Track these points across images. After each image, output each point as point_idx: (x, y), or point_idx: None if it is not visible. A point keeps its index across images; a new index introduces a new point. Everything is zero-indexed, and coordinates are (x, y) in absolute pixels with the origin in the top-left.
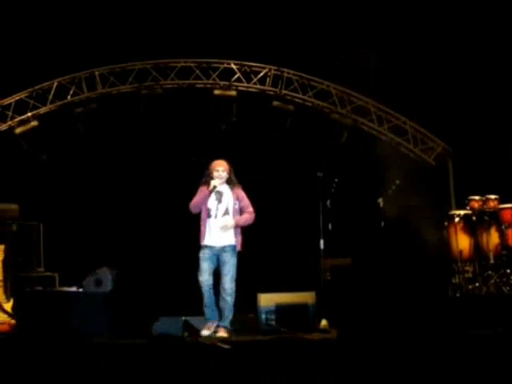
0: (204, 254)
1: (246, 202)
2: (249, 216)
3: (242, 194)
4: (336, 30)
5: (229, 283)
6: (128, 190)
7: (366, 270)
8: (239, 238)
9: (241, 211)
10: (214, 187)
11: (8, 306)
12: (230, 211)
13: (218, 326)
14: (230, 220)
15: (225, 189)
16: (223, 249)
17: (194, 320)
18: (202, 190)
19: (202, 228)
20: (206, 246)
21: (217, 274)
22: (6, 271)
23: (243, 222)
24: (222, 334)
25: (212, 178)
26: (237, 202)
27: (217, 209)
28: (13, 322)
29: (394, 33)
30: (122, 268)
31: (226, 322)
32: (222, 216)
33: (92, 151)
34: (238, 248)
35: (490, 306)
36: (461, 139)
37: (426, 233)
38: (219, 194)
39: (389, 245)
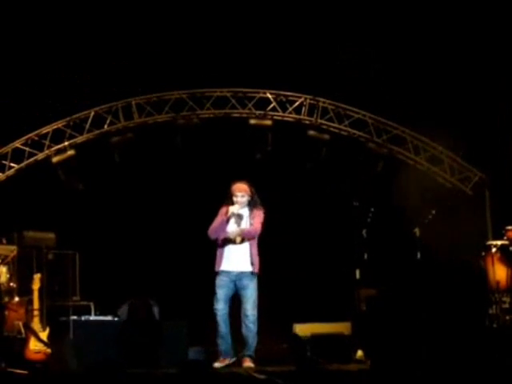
0: (220, 281)
1: (255, 220)
2: (250, 229)
3: (257, 213)
4: (371, 59)
5: (251, 310)
6: (163, 220)
7: (394, 300)
8: (256, 260)
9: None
10: (233, 214)
11: (44, 335)
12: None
13: (243, 356)
14: (234, 230)
15: (245, 212)
16: (242, 273)
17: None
18: (221, 214)
19: (218, 253)
20: (223, 272)
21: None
22: (42, 300)
23: (246, 232)
24: (249, 364)
25: (232, 201)
26: (253, 222)
27: (236, 233)
28: (48, 350)
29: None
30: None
31: (251, 351)
32: (241, 242)
33: (128, 181)
34: (256, 270)
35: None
36: (498, 168)
37: (464, 263)
38: (239, 218)
39: (425, 275)
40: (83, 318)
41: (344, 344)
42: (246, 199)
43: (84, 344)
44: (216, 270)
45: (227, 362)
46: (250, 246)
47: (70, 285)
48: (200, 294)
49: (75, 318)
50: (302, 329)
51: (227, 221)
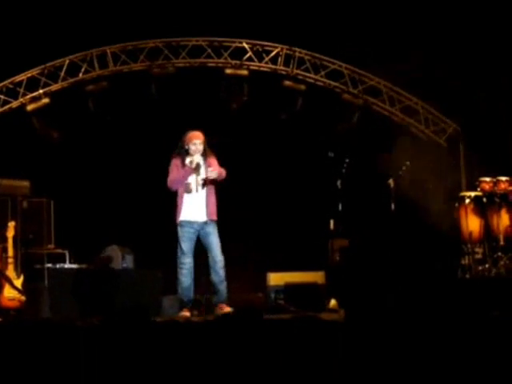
0: (183, 232)
1: (213, 166)
2: (220, 171)
3: (213, 160)
4: (347, 8)
5: (219, 255)
6: (137, 168)
7: (366, 251)
8: (214, 207)
9: None
10: (198, 164)
11: (18, 283)
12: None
13: (218, 303)
14: (212, 173)
15: (200, 160)
16: (204, 223)
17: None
18: (176, 164)
19: (178, 203)
20: (185, 222)
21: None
22: (17, 248)
23: (220, 172)
24: (228, 309)
25: (187, 151)
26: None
27: (196, 182)
28: (23, 298)
29: (404, 14)
30: (130, 245)
31: (223, 297)
32: (202, 188)
33: (103, 129)
34: (215, 218)
35: (499, 288)
36: (472, 120)
37: (437, 214)
38: (197, 167)
39: (399, 225)
40: (58, 266)
41: (317, 293)
42: (202, 147)
43: (58, 292)
44: (177, 220)
45: (190, 313)
46: (208, 194)
47: (45, 233)
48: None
49: (50, 265)
50: (276, 278)
51: (191, 171)
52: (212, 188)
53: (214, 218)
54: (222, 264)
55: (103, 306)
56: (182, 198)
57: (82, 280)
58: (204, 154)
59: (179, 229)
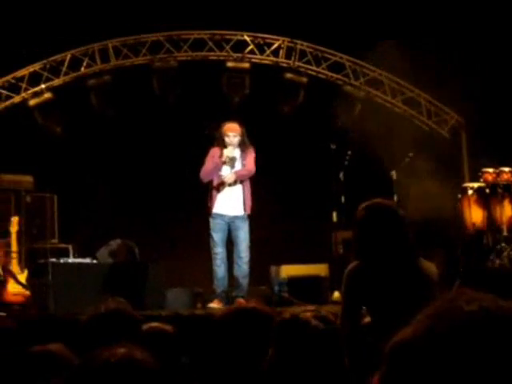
0: (216, 225)
1: (247, 160)
2: (244, 171)
3: (249, 154)
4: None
5: (245, 251)
6: (140, 162)
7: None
8: (249, 202)
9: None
10: (228, 158)
11: (22, 278)
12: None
13: (236, 297)
14: (227, 178)
15: (237, 153)
16: (235, 217)
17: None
18: (212, 156)
19: (212, 196)
20: (217, 214)
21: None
22: (20, 243)
23: (240, 175)
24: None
25: (224, 142)
26: (245, 163)
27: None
28: (27, 293)
29: (405, 4)
30: (135, 239)
31: (244, 292)
32: (235, 185)
33: (105, 123)
34: (249, 212)
35: (503, 279)
36: (475, 111)
37: (439, 205)
38: (231, 160)
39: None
40: (62, 261)
41: (321, 285)
42: (237, 139)
43: (63, 286)
44: (210, 212)
45: (222, 304)
46: (244, 187)
47: (49, 227)
48: (183, 236)
49: (54, 260)
50: (280, 270)
51: (223, 163)
52: (247, 182)
53: (244, 212)
54: (246, 260)
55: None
56: (216, 190)
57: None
58: (241, 147)
59: (211, 220)
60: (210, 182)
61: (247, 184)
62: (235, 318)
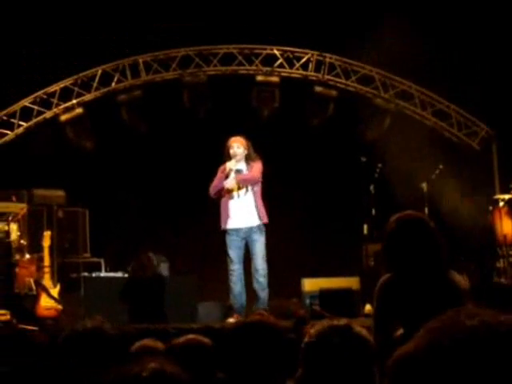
0: (231, 241)
1: (253, 169)
2: (246, 175)
3: (255, 164)
4: (376, 13)
5: (261, 264)
6: (172, 176)
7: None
8: (263, 211)
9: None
10: (230, 170)
11: (54, 292)
12: (249, 188)
13: (256, 310)
14: (226, 183)
15: (243, 166)
16: (251, 230)
17: (207, 306)
18: (220, 171)
19: (222, 210)
20: (232, 230)
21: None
22: (53, 257)
23: (241, 179)
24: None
25: (229, 157)
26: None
27: (238, 188)
28: (59, 307)
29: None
30: (166, 253)
31: (264, 305)
32: (245, 194)
33: (136, 138)
34: (264, 221)
35: None
36: (505, 123)
37: (471, 217)
38: (238, 173)
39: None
40: (94, 275)
41: (352, 298)
42: (242, 150)
43: (95, 300)
44: (223, 228)
45: (240, 319)
46: (254, 196)
47: (81, 242)
48: (212, 250)
49: (86, 274)
50: (311, 284)
51: (226, 177)
52: (258, 191)
53: (265, 220)
54: (263, 272)
55: (153, 313)
56: (226, 204)
57: (133, 287)
58: (247, 160)
59: (226, 237)
60: (219, 198)
61: (258, 193)
62: (241, 331)
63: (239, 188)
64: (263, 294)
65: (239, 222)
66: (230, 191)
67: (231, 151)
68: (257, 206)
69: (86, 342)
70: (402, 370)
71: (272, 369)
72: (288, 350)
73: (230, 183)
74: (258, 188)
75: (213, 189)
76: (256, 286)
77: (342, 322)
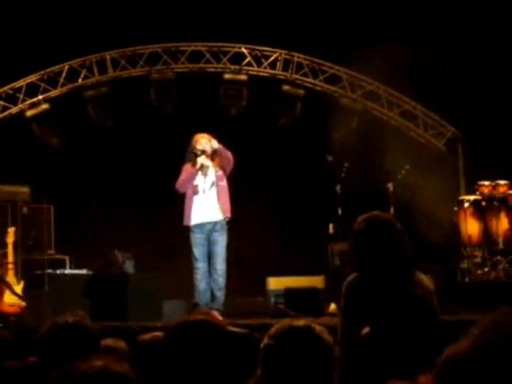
0: (195, 239)
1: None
2: (229, 153)
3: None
4: (346, 13)
5: (220, 264)
6: (138, 172)
7: None
8: (227, 205)
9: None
10: (202, 165)
11: (18, 289)
12: (215, 182)
13: (211, 309)
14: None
15: (208, 162)
16: (214, 227)
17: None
18: (187, 169)
19: (187, 206)
20: (196, 226)
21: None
22: (17, 253)
23: (224, 149)
24: (219, 317)
25: (196, 154)
26: (218, 169)
27: (204, 183)
28: (23, 304)
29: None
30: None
31: (219, 305)
32: (209, 189)
33: (102, 134)
34: (227, 215)
35: (498, 292)
36: (471, 124)
37: (436, 218)
38: (205, 168)
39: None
40: (58, 272)
41: (317, 297)
42: (209, 146)
43: (59, 298)
44: (186, 223)
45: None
46: (219, 192)
47: (45, 238)
48: (178, 248)
49: (50, 271)
50: (276, 282)
51: (197, 172)
52: (223, 187)
53: (228, 215)
54: (221, 272)
55: (116, 310)
56: (190, 200)
57: (97, 284)
58: (212, 155)
59: (190, 235)
60: (184, 194)
61: (224, 188)
62: (181, 331)
63: (212, 161)
64: (219, 293)
65: (202, 216)
66: (195, 187)
67: (199, 146)
68: (220, 201)
69: (67, 336)
70: (455, 370)
71: (222, 369)
72: (240, 351)
73: (215, 145)
74: (223, 183)
75: (181, 185)
76: (213, 285)
77: (302, 322)
